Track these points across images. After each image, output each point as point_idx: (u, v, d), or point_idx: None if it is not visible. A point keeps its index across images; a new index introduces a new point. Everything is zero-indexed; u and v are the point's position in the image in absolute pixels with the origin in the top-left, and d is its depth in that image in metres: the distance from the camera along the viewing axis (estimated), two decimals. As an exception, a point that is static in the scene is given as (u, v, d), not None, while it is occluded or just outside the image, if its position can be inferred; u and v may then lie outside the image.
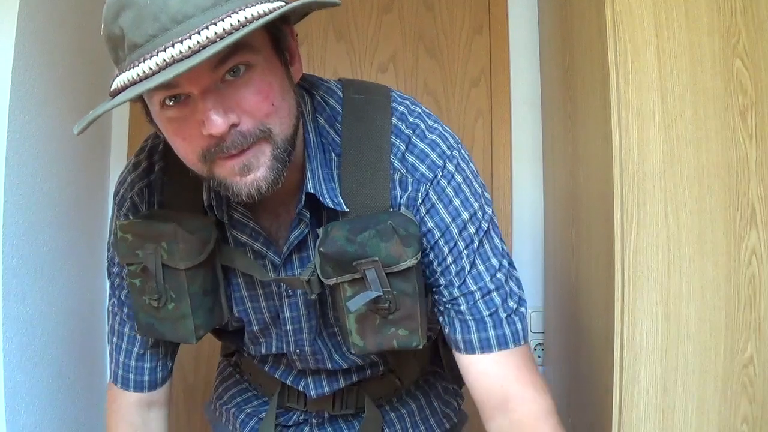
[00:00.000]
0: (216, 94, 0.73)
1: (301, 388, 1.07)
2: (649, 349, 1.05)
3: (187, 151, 0.77)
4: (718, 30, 1.08)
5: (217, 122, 0.72)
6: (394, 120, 0.90)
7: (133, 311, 0.95)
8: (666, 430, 1.05)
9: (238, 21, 0.70)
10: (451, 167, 0.89)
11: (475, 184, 0.92)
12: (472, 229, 0.90)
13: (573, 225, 1.43)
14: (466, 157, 0.93)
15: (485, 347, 0.90)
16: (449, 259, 0.90)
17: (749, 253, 1.05)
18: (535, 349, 1.77)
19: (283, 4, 0.74)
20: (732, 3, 1.08)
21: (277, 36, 0.80)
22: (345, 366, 1.02)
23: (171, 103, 0.74)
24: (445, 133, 0.92)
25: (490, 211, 0.93)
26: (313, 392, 1.06)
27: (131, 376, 1.02)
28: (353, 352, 0.90)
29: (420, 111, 0.93)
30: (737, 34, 1.08)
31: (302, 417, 1.12)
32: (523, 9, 1.83)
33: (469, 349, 0.90)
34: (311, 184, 0.86)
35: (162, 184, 0.94)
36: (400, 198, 0.89)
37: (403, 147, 0.89)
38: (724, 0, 1.08)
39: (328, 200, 0.87)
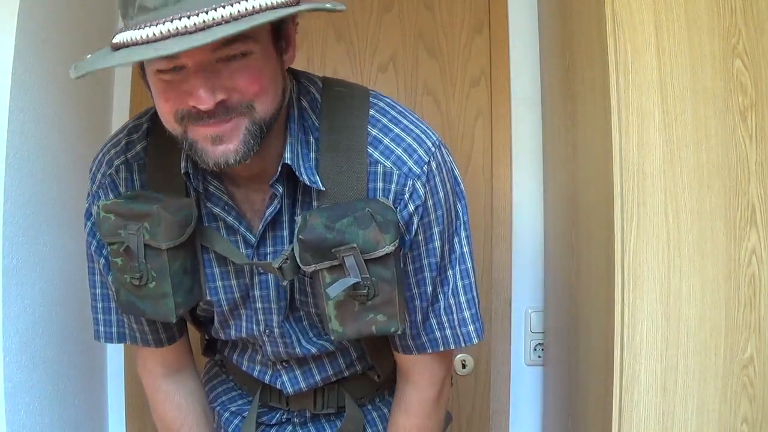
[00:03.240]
0: (209, 71, 0.77)
1: (278, 386, 1.08)
2: (649, 349, 1.05)
3: (168, 110, 0.81)
4: (718, 30, 1.08)
5: (205, 99, 0.77)
6: (372, 112, 0.92)
7: (113, 289, 0.97)
8: (666, 430, 1.05)
9: (246, 9, 0.72)
10: (434, 165, 0.93)
11: (459, 185, 0.98)
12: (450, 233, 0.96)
13: (573, 225, 1.43)
14: (448, 157, 0.97)
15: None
16: (425, 258, 0.95)
17: (749, 253, 1.05)
18: (534, 349, 1.77)
19: None
20: (732, 3, 1.08)
21: (278, 25, 0.83)
22: (314, 351, 1.03)
23: (166, 69, 0.78)
24: (428, 130, 0.95)
25: (466, 218, 0.99)
26: (290, 389, 1.07)
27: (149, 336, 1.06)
28: (333, 338, 0.92)
29: (401, 108, 0.96)
30: (737, 34, 1.08)
31: (285, 416, 1.13)
32: (523, 9, 1.82)
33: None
34: (289, 156, 0.88)
35: (144, 164, 0.96)
36: (383, 191, 0.91)
37: (386, 139, 0.91)
38: (724, 0, 1.08)
39: (305, 176, 0.89)
